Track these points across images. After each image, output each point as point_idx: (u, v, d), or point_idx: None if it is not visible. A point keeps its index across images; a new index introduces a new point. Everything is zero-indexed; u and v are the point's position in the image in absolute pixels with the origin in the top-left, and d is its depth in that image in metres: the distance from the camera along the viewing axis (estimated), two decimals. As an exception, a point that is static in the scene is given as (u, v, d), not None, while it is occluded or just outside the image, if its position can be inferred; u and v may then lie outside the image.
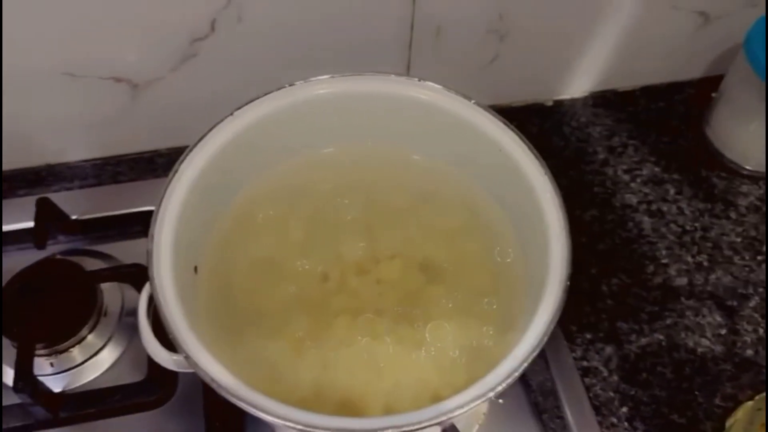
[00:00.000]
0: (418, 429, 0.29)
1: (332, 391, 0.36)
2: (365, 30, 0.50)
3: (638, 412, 0.46)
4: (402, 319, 0.38)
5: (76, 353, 0.46)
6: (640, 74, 0.61)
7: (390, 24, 0.50)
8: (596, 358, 0.48)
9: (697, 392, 0.47)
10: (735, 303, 0.50)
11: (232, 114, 0.37)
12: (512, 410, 0.45)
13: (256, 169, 0.41)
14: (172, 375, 0.45)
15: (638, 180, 0.57)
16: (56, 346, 0.45)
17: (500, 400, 0.45)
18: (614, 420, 0.45)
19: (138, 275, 0.47)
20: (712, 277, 0.52)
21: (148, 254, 0.32)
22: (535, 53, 0.56)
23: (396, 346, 0.37)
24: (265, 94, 0.38)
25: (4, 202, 0.53)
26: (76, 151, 0.56)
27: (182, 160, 0.36)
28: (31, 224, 0.49)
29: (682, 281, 0.51)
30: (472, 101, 0.39)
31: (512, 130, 0.38)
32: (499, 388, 0.30)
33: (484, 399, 0.30)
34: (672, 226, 0.54)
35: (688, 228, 0.54)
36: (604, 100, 0.61)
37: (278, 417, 0.28)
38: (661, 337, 0.49)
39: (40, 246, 0.48)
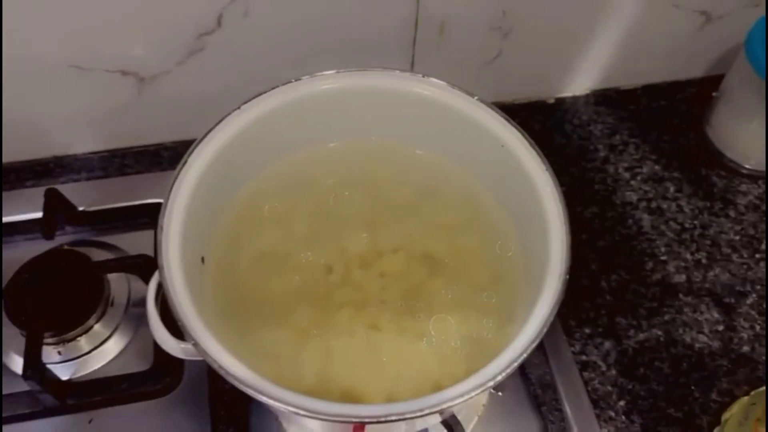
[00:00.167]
0: (420, 416, 0.30)
1: (335, 381, 0.36)
2: (370, 27, 0.51)
3: (636, 405, 0.46)
4: (404, 312, 0.39)
5: (84, 342, 0.47)
6: (641, 73, 0.62)
7: (394, 21, 0.51)
8: (595, 353, 0.49)
9: (693, 387, 0.47)
10: (732, 300, 0.51)
11: (239, 108, 0.38)
12: (512, 403, 0.46)
13: (262, 162, 0.41)
14: (178, 364, 0.46)
15: (638, 178, 0.57)
16: (64, 335, 0.46)
17: (500, 393, 0.46)
18: (612, 413, 0.46)
19: (144, 266, 0.48)
20: (711, 274, 0.52)
21: (158, 244, 0.33)
22: (538, 51, 0.57)
23: (398, 338, 0.38)
24: (272, 89, 0.39)
25: (13, 193, 0.53)
26: (83, 143, 0.56)
27: (190, 153, 0.36)
28: (38, 215, 0.50)
29: (681, 278, 0.52)
30: (475, 98, 0.39)
31: (514, 126, 0.38)
32: (499, 378, 0.30)
33: (484, 388, 0.31)
34: (671, 223, 0.55)
35: (687, 226, 0.55)
36: (605, 99, 0.62)
37: (286, 404, 0.29)
38: (659, 332, 0.49)
39: (49, 236, 0.49)
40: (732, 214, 0.56)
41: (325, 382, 0.37)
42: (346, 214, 0.42)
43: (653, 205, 0.56)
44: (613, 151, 0.59)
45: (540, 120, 0.61)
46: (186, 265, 0.34)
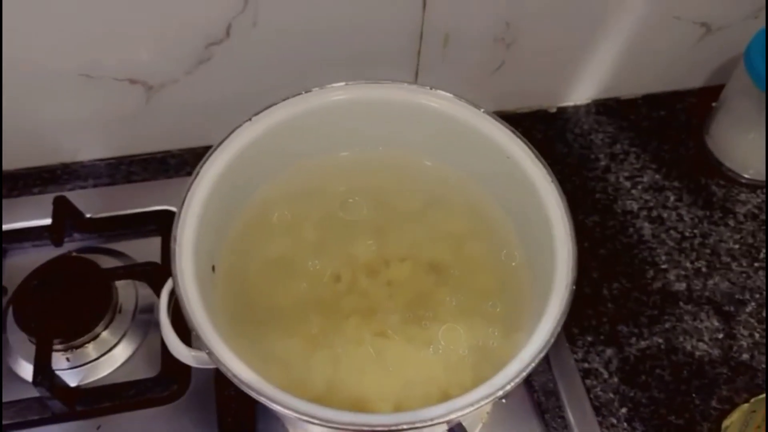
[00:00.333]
0: (429, 426, 0.31)
1: (344, 388, 0.37)
2: (376, 38, 0.51)
3: (637, 413, 0.47)
4: (411, 320, 0.39)
5: (91, 349, 0.47)
6: (642, 83, 0.63)
7: (400, 32, 0.52)
8: (597, 360, 0.49)
9: (694, 394, 0.48)
10: (732, 308, 0.52)
11: (250, 119, 0.39)
12: (515, 410, 0.46)
13: (272, 171, 0.42)
14: (186, 371, 0.46)
15: (639, 187, 0.58)
16: (72, 341, 0.46)
17: (503, 400, 0.46)
18: (614, 420, 0.47)
19: (152, 273, 0.48)
20: (710, 282, 0.53)
21: (171, 254, 0.34)
22: (540, 61, 0.57)
23: (405, 346, 0.39)
24: (283, 100, 0.39)
25: (20, 200, 0.54)
26: (90, 150, 0.57)
27: (203, 163, 0.37)
28: (46, 222, 0.50)
29: (681, 286, 0.53)
30: (482, 110, 0.40)
31: (520, 138, 0.39)
32: (508, 387, 0.31)
33: (493, 398, 0.31)
34: (672, 232, 0.56)
35: (687, 234, 0.56)
36: (606, 108, 0.63)
37: (298, 412, 0.30)
38: (660, 340, 0.50)
39: (57, 243, 0.49)
40: (731, 223, 0.56)
41: (334, 389, 0.37)
42: (353, 223, 0.42)
43: (654, 213, 0.57)
44: (613, 160, 0.60)
45: (542, 129, 0.61)
46: (198, 274, 0.34)
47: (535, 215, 0.38)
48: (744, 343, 0.50)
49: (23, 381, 0.45)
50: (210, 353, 0.31)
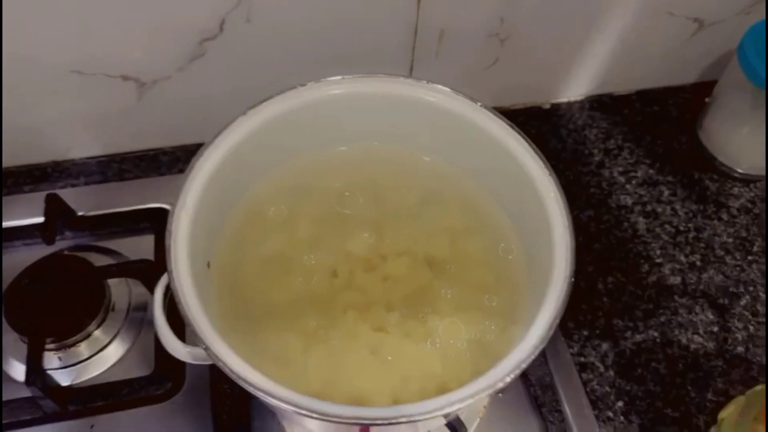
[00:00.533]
0: (427, 418, 0.30)
1: (342, 383, 0.37)
2: (371, 34, 0.51)
3: (633, 406, 0.47)
4: (408, 315, 0.39)
5: (84, 348, 0.46)
6: (635, 79, 0.63)
7: (395, 28, 0.51)
8: (593, 354, 0.49)
9: (689, 387, 0.48)
10: (726, 301, 0.52)
11: (245, 113, 0.38)
12: (512, 404, 0.46)
13: (267, 166, 0.41)
14: (180, 369, 0.46)
15: (633, 182, 0.58)
16: (65, 340, 0.45)
17: (500, 394, 0.46)
18: (610, 414, 0.47)
19: (145, 271, 0.48)
20: (705, 276, 0.53)
21: (167, 249, 0.33)
22: (534, 57, 0.58)
23: (403, 340, 0.38)
24: (278, 94, 0.39)
25: (11, 198, 0.53)
26: (82, 148, 0.56)
27: (198, 158, 0.36)
28: (37, 220, 0.50)
29: (676, 280, 0.53)
30: (479, 104, 0.40)
31: (517, 131, 0.39)
32: (508, 379, 0.31)
33: (491, 391, 0.31)
34: (666, 226, 0.56)
35: (681, 228, 0.56)
36: (600, 104, 0.63)
37: (297, 406, 0.29)
38: (656, 334, 0.50)
39: (49, 242, 0.48)
40: (725, 216, 0.57)
41: (331, 384, 0.37)
42: (350, 218, 0.42)
43: (648, 208, 0.57)
44: (607, 155, 0.60)
45: (536, 125, 0.61)
46: (193, 270, 0.34)
47: (532, 209, 0.38)
48: (739, 336, 0.51)
49: (15, 381, 0.45)
50: (206, 348, 0.31)
